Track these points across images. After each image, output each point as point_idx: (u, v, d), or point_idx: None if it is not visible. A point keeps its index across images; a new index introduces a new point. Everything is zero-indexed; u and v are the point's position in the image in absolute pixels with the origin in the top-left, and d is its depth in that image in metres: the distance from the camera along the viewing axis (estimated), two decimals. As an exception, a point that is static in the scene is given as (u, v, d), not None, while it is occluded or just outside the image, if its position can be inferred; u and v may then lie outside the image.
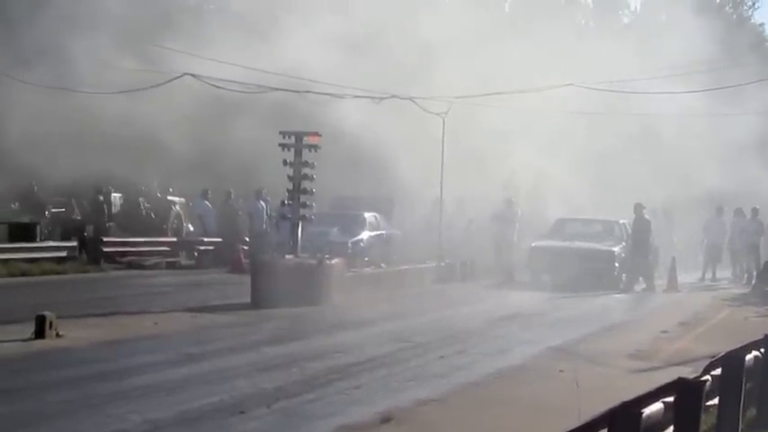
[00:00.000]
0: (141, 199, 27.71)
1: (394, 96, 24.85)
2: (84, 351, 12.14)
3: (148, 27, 24.81)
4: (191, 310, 16.43)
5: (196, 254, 27.09)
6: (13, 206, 26.03)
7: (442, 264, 24.88)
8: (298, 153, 18.80)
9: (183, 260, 26.82)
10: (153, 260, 25.27)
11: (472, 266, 25.90)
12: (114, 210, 27.50)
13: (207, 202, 27.75)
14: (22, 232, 23.48)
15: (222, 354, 12.46)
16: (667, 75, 26.40)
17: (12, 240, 23.06)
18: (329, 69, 23.80)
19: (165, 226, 27.75)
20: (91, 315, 14.98)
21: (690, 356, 12.63)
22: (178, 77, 22.70)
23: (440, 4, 31.07)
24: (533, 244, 24.88)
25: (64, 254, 23.17)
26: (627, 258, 24.64)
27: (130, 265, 24.51)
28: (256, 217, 26.70)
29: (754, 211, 27.39)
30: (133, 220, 26.96)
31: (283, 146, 18.84)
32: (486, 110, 25.83)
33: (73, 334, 12.79)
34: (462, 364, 12.32)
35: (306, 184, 18.90)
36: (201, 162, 27.32)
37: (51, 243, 23.76)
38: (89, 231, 25.28)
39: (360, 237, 25.57)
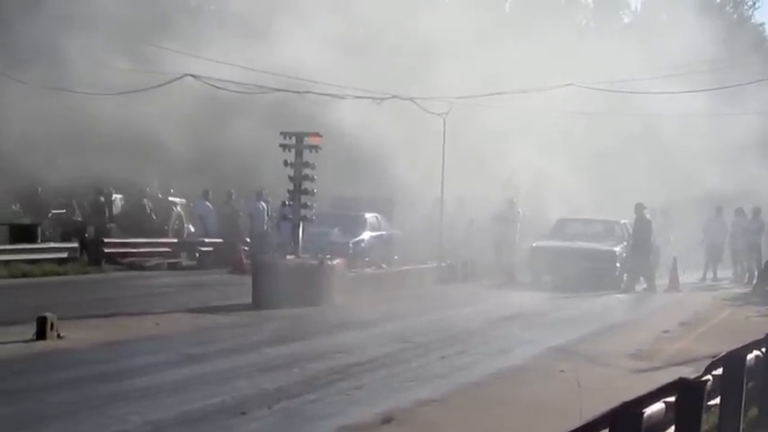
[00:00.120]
0: (146, 200, 27.68)
1: (395, 97, 24.86)
2: (85, 352, 12.14)
3: (149, 28, 24.82)
4: (192, 310, 16.44)
5: (197, 255, 27.09)
6: (14, 207, 26.05)
7: (443, 264, 24.88)
8: (298, 154, 18.80)
9: (184, 261, 26.81)
10: (154, 261, 25.27)
11: (473, 267, 25.91)
12: (115, 211, 27.52)
13: (208, 203, 27.75)
14: (23, 233, 23.48)
15: (223, 354, 12.46)
16: (668, 75, 26.39)
17: (13, 242, 23.07)
18: (330, 70, 23.80)
19: (166, 227, 27.74)
20: (92, 316, 14.97)
21: (691, 356, 12.62)
22: (179, 78, 22.70)
23: (440, 5, 31.10)
24: (534, 244, 24.87)
25: (65, 255, 23.18)
26: (628, 258, 24.63)
27: (131, 266, 24.51)
28: (257, 217, 26.72)
29: (756, 211, 27.36)
30: (137, 222, 26.92)
31: (284, 146, 18.84)
32: (487, 110, 25.84)
33: (74, 335, 12.80)
34: (463, 364, 12.32)
35: (306, 185, 18.91)
36: (202, 163, 27.33)
37: (52, 244, 23.74)
38: (90, 232, 25.29)
39: (361, 237, 25.59)
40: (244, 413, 9.01)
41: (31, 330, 12.48)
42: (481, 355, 13.07)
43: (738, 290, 24.74)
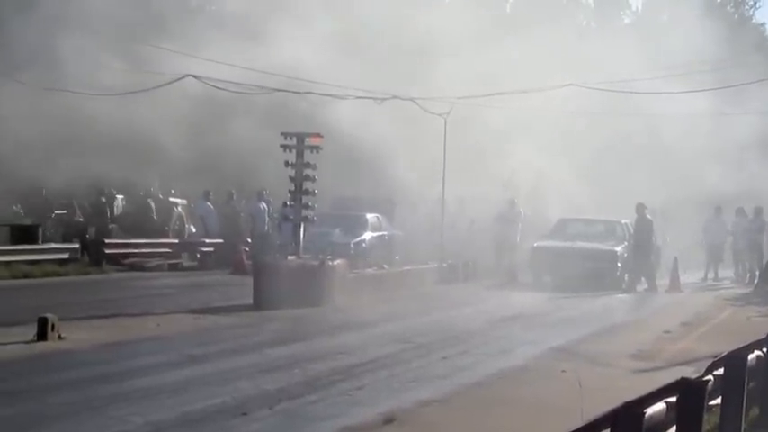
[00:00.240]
0: (149, 200, 27.67)
1: (395, 97, 24.86)
2: (86, 353, 12.14)
3: (149, 29, 24.82)
4: (193, 311, 16.43)
5: (198, 255, 27.10)
6: (14, 208, 26.06)
7: (444, 264, 24.87)
8: (299, 154, 18.78)
9: (185, 262, 26.80)
10: (155, 262, 25.26)
11: (474, 267, 25.90)
12: (117, 212, 27.52)
13: (209, 204, 27.75)
14: (24, 234, 23.50)
15: (224, 355, 12.46)
16: (668, 75, 26.40)
17: (14, 242, 23.08)
18: (331, 70, 23.81)
19: (166, 227, 27.74)
20: (93, 317, 14.97)
21: (692, 356, 12.61)
22: (180, 79, 22.71)
23: (441, 5, 31.12)
24: (535, 244, 24.86)
25: (66, 256, 23.19)
26: (629, 258, 24.62)
27: (132, 267, 24.50)
28: (258, 218, 26.73)
29: (758, 210, 27.34)
30: (140, 222, 26.92)
31: (285, 147, 18.83)
32: (488, 110, 25.84)
33: (75, 336, 12.80)
34: (464, 364, 12.32)
35: (308, 185, 18.90)
36: (203, 163, 27.33)
37: (53, 245, 23.76)
38: (91, 233, 25.30)
39: (362, 238, 25.59)
40: (245, 414, 9.01)
41: (31, 331, 12.47)
42: (482, 356, 13.07)
43: (740, 290, 24.73)
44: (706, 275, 27.86)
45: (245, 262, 24.02)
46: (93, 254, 23.88)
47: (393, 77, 25.51)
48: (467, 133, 26.06)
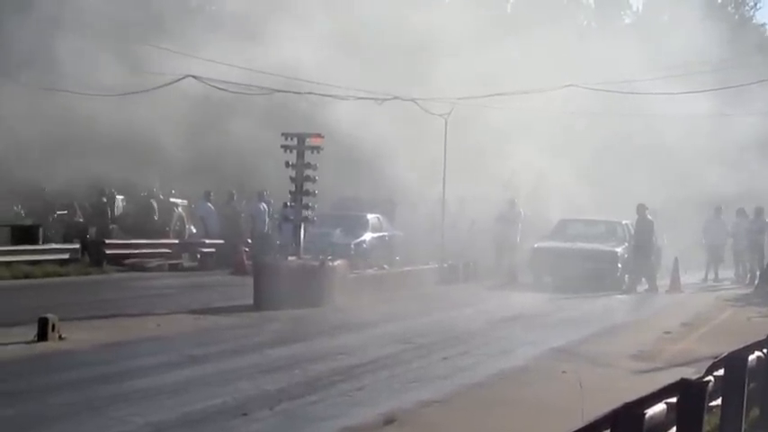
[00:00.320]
0: (152, 201, 27.66)
1: (396, 98, 24.86)
2: (86, 353, 12.14)
3: (149, 29, 24.82)
4: (193, 311, 16.44)
5: (198, 256, 27.10)
6: (15, 208, 26.07)
7: (445, 265, 24.86)
8: (300, 155, 18.78)
9: (186, 262, 26.80)
10: (155, 262, 25.26)
11: (474, 267, 25.90)
12: (117, 212, 27.52)
13: (209, 204, 27.76)
14: (25, 235, 23.51)
15: (225, 355, 12.45)
16: (669, 75, 26.39)
17: (14, 243, 23.09)
18: (331, 70, 23.82)
19: (167, 228, 27.75)
20: (93, 317, 14.98)
21: (693, 357, 12.61)
22: (181, 79, 22.71)
23: (441, 5, 31.11)
24: (536, 245, 24.86)
25: (66, 256, 23.19)
26: (630, 259, 24.61)
27: (133, 268, 24.50)
28: (258, 218, 26.74)
29: (759, 211, 27.31)
30: (142, 222, 26.91)
31: (285, 147, 18.82)
32: (488, 110, 25.84)
33: (75, 336, 12.80)
34: (465, 365, 12.32)
35: (308, 186, 18.90)
36: (203, 164, 27.34)
37: (54, 245, 23.77)
38: (91, 234, 25.30)
39: (362, 238, 25.58)
40: (245, 414, 9.01)
41: (32, 331, 12.47)
42: (483, 356, 13.07)
43: (740, 290, 24.71)
44: (706, 276, 27.84)
45: (246, 262, 24.02)
46: (94, 254, 23.88)
47: (393, 78, 25.51)
48: (467, 134, 26.06)
